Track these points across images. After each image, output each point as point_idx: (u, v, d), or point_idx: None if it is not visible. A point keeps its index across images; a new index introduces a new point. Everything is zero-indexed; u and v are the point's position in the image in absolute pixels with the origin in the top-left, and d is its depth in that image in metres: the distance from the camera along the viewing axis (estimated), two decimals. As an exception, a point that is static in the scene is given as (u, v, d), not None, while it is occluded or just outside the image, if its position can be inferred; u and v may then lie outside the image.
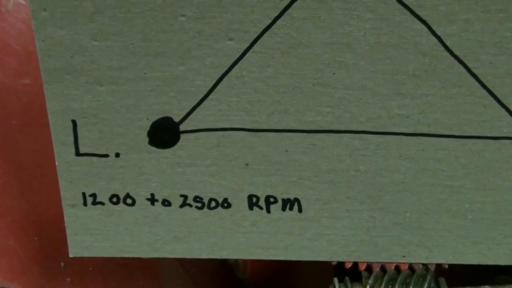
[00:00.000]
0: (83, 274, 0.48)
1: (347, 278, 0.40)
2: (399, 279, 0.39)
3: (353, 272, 0.41)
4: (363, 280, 0.40)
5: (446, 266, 0.41)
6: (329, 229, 0.40)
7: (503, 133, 0.37)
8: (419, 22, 0.34)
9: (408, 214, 0.39)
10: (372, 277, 0.39)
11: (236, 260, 0.54)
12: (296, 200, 0.39)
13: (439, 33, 0.35)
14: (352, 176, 0.38)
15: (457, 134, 0.37)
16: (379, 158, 0.38)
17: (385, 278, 0.39)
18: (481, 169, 0.38)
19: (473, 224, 0.39)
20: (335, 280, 0.40)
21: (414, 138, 0.37)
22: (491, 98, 0.36)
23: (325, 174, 0.38)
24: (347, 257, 0.40)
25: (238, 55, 0.35)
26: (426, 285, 0.39)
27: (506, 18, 0.34)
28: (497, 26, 0.34)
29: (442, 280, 0.40)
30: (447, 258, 0.40)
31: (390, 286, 0.39)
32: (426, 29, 0.34)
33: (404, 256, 0.40)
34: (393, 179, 0.38)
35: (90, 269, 0.48)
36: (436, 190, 0.39)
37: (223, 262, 0.54)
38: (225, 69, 0.36)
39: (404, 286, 0.39)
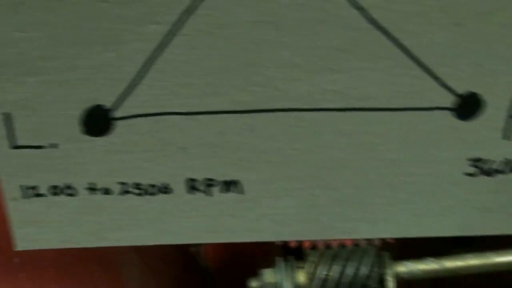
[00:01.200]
0: (38, 269, 0.48)
1: (291, 257, 0.40)
2: (342, 254, 0.39)
3: (300, 251, 0.41)
4: (307, 257, 0.40)
5: (392, 241, 0.41)
6: (272, 209, 0.40)
7: (435, 103, 0.37)
8: None
9: (348, 190, 0.39)
10: (315, 254, 0.39)
11: (198, 249, 0.54)
12: (237, 181, 0.39)
13: (364, 5, 0.34)
14: (289, 154, 0.38)
15: (389, 107, 0.37)
16: (314, 135, 0.38)
17: (328, 254, 0.39)
18: (417, 141, 0.38)
19: (415, 197, 0.39)
20: (279, 259, 0.40)
21: (347, 113, 0.37)
22: (420, 69, 0.36)
23: (263, 154, 0.38)
24: (291, 236, 0.41)
25: (163, 38, 0.35)
26: (369, 259, 0.39)
27: None
28: (420, -4, 0.34)
29: (386, 254, 0.40)
30: (391, 232, 0.40)
31: (333, 262, 0.39)
32: (348, 3, 0.34)
33: (348, 232, 0.40)
34: (330, 156, 0.38)
35: (45, 263, 0.48)
36: (374, 165, 0.39)
37: (185, 251, 0.54)
38: (152, 53, 0.36)
39: (346, 261, 0.39)
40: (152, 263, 0.52)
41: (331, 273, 0.39)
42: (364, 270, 0.39)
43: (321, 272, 0.39)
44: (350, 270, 0.39)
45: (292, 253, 0.42)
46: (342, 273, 0.39)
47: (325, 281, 0.39)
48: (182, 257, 0.54)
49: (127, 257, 0.51)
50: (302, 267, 0.40)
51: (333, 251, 0.40)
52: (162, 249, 0.43)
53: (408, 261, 0.40)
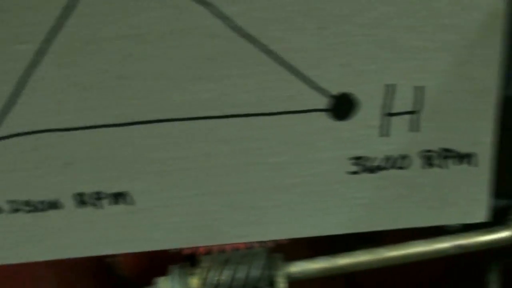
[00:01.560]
0: None
1: (185, 263, 0.41)
2: (234, 259, 0.40)
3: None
4: (200, 263, 0.40)
5: (285, 242, 0.42)
6: (163, 218, 0.40)
7: (309, 106, 0.38)
8: (202, 6, 0.35)
9: (236, 195, 0.40)
10: (208, 259, 0.40)
11: (114, 258, 0.55)
12: (126, 193, 0.40)
13: (227, 14, 0.35)
14: (174, 164, 0.39)
15: (266, 111, 0.38)
16: (197, 144, 0.38)
17: (220, 259, 0.40)
18: (298, 144, 0.39)
19: (301, 197, 0.40)
20: (172, 266, 0.40)
21: (225, 120, 0.38)
22: (289, 74, 0.37)
23: (148, 165, 0.39)
24: (184, 244, 0.41)
25: (34, 57, 0.36)
26: (260, 262, 0.40)
27: None
28: (282, 2, 0.35)
29: (277, 256, 0.40)
30: (282, 233, 0.41)
31: (225, 266, 0.40)
32: (210, 12, 0.35)
33: (240, 237, 0.41)
34: (214, 163, 0.39)
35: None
36: (259, 169, 0.39)
37: (100, 262, 0.54)
38: (24, 72, 0.36)
39: (238, 265, 0.40)
40: (66, 275, 0.52)
41: (222, 278, 0.40)
42: (254, 273, 0.40)
43: (213, 277, 0.40)
44: (240, 274, 0.40)
45: (190, 259, 0.42)
46: (233, 277, 0.40)
47: (216, 286, 0.40)
48: (98, 268, 0.54)
49: (40, 271, 0.51)
50: (196, 273, 0.40)
51: (225, 255, 0.40)
52: (76, 261, 0.43)
53: (299, 261, 0.41)
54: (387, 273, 0.49)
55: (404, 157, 0.39)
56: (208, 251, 0.41)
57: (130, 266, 0.55)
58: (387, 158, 0.39)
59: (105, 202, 0.40)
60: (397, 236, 0.44)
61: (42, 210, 0.40)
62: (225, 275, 0.40)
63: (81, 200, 0.39)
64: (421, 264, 0.45)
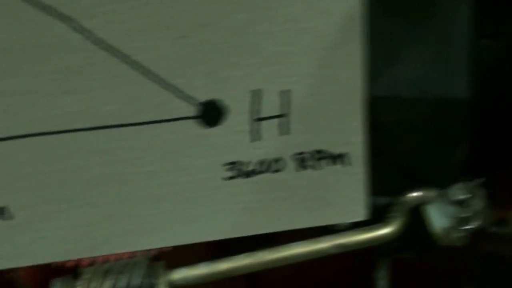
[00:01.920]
0: None
1: (68, 276, 0.41)
2: (115, 269, 0.40)
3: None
4: (82, 275, 0.40)
5: (168, 249, 0.42)
6: (43, 232, 0.40)
7: (178, 114, 0.38)
8: (61, 21, 0.35)
9: (115, 205, 0.40)
10: (89, 271, 0.40)
11: (14, 274, 0.54)
12: (3, 207, 0.40)
13: (88, 27, 0.35)
14: (49, 177, 0.39)
15: (135, 122, 0.38)
16: (69, 156, 0.39)
17: (101, 269, 0.40)
18: (170, 152, 0.39)
19: (179, 205, 0.40)
20: (54, 280, 0.40)
21: (95, 131, 0.38)
22: (155, 83, 0.37)
23: (22, 179, 0.39)
24: (67, 256, 0.41)
25: None
26: (141, 271, 0.40)
27: (146, 3, 0.35)
28: (141, 13, 0.35)
29: (159, 264, 0.41)
30: (164, 241, 0.41)
31: (106, 277, 0.40)
32: (69, 27, 0.35)
33: (122, 246, 0.41)
34: (91, 174, 0.39)
35: None
36: (135, 178, 0.40)
37: (0, 278, 0.54)
38: None
39: (119, 275, 0.40)
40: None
41: (103, 288, 0.40)
42: (135, 282, 0.40)
43: (94, 288, 0.40)
44: (121, 284, 0.40)
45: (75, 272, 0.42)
46: (114, 287, 0.40)
47: (98, 296, 0.40)
48: (-2, 285, 0.54)
49: None
50: (77, 285, 0.40)
51: (106, 266, 0.41)
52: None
53: (181, 268, 0.41)
54: (290, 273, 0.50)
55: (277, 160, 0.40)
56: (91, 263, 0.42)
57: (30, 281, 0.54)
58: (261, 162, 0.40)
59: (-17, 218, 0.40)
60: (297, 236, 0.45)
61: None
62: (106, 286, 0.40)
63: (-43, 218, 0.39)
64: (323, 262, 0.46)
